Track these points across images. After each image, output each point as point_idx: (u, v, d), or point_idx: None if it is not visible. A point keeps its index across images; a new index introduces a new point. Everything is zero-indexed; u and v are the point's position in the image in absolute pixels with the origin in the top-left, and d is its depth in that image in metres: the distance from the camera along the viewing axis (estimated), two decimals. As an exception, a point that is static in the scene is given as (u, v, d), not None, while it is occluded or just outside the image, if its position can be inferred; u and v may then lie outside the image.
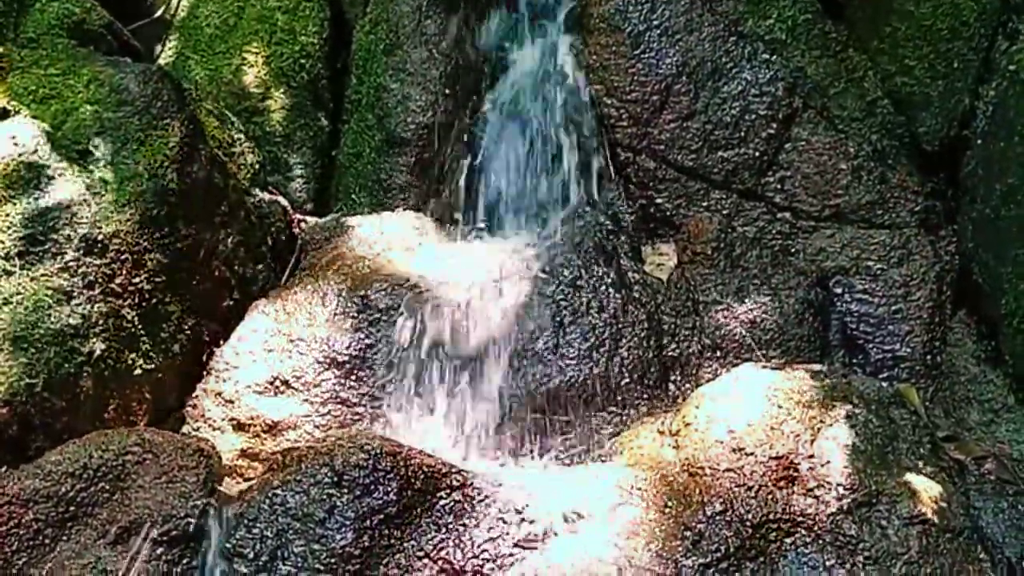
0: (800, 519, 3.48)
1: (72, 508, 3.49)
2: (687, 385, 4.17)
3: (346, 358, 4.13)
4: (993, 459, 3.92)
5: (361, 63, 5.07)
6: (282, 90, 5.01)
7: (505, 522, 3.48)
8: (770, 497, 3.51)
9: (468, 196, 4.85)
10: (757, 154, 4.68)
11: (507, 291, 4.27)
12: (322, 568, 3.43)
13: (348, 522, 3.47)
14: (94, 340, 3.88)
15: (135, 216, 4.04)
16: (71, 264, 3.89)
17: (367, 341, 4.16)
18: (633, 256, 4.49)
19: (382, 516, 3.49)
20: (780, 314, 4.27)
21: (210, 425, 4.09)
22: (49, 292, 3.83)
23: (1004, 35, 4.50)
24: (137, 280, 4.03)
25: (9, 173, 3.90)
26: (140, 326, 4.02)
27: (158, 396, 4.07)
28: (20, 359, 3.70)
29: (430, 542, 3.49)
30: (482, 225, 4.74)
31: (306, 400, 4.08)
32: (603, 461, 3.92)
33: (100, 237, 3.95)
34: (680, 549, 3.44)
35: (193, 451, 3.65)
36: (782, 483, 3.54)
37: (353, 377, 4.12)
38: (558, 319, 4.20)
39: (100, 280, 3.94)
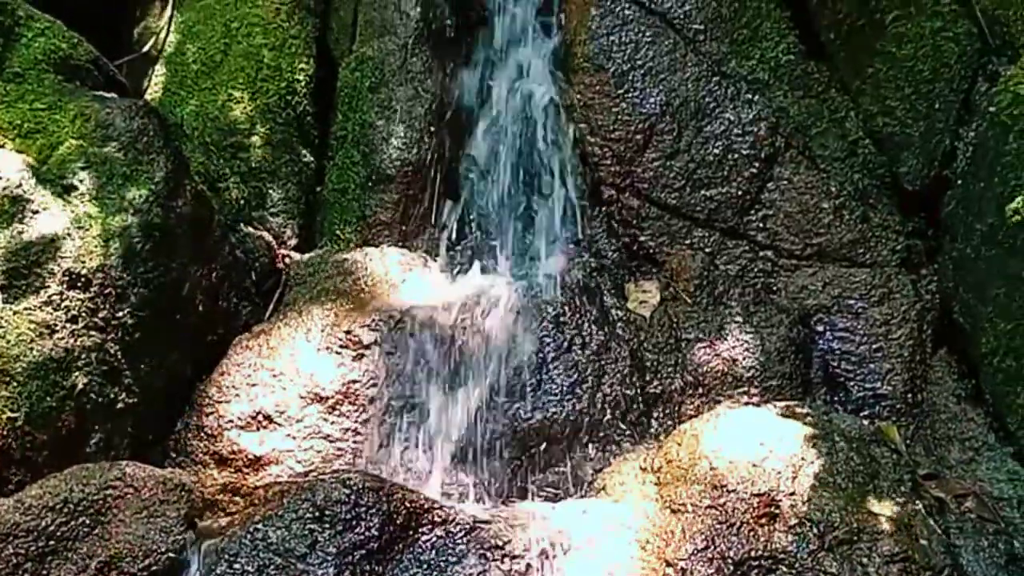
0: (781, 556, 3.48)
1: (52, 543, 3.47)
2: (669, 422, 4.18)
3: (330, 393, 4.13)
4: (973, 497, 3.93)
5: (347, 100, 5.10)
6: (267, 126, 5.02)
7: (487, 558, 3.48)
8: (752, 534, 3.52)
9: (452, 232, 4.87)
10: (740, 193, 4.71)
11: (490, 328, 4.27)
12: (303, 604, 3.42)
13: (330, 557, 3.47)
14: (76, 374, 3.87)
15: (119, 251, 4.04)
16: (54, 298, 3.88)
17: (351, 376, 4.16)
18: (616, 293, 4.50)
19: (364, 551, 3.48)
20: (762, 352, 4.29)
21: (192, 459, 4.08)
22: (32, 326, 3.82)
23: (984, 77, 4.55)
24: (120, 314, 4.02)
25: (-7, 206, 3.91)
26: (123, 360, 4.01)
27: (140, 430, 4.06)
28: (2, 392, 3.69)
29: (412, 578, 3.48)
30: (466, 261, 4.75)
31: (289, 435, 4.07)
32: (585, 497, 3.92)
33: (84, 271, 3.95)
34: (662, 586, 3.44)
35: (174, 486, 3.64)
36: (764, 520, 3.54)
37: (337, 412, 4.11)
38: (541, 355, 4.21)
39: (83, 314, 3.93)
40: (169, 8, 5.22)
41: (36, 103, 4.20)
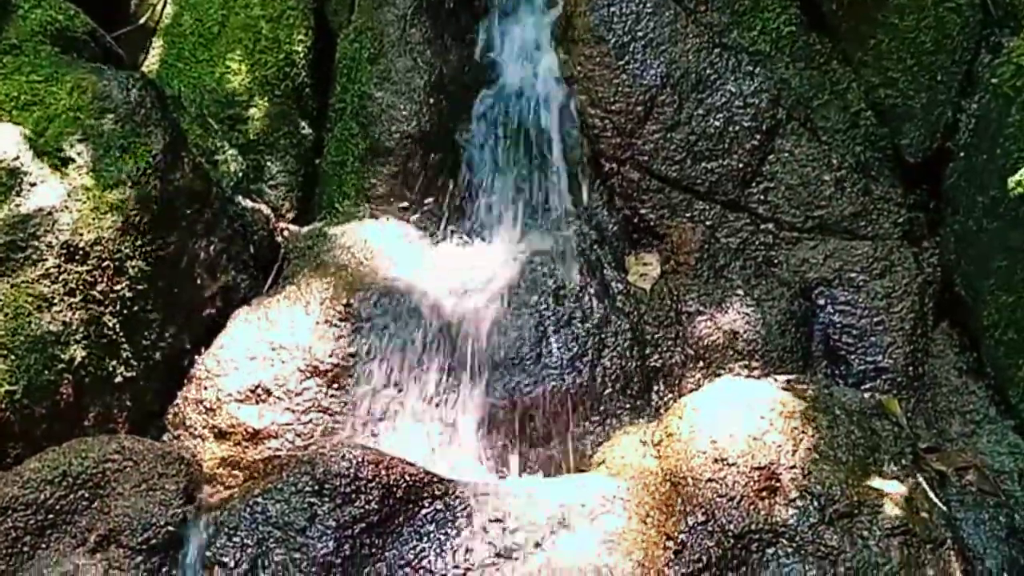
0: (782, 529, 3.48)
1: (51, 516, 3.47)
2: (670, 395, 4.18)
3: (328, 366, 4.13)
4: (974, 470, 3.93)
5: (345, 71, 5.07)
6: (266, 98, 5.00)
7: (487, 531, 3.48)
8: (752, 507, 3.51)
9: (451, 205, 4.86)
10: (741, 165, 4.69)
11: (490, 300, 4.27)
12: (303, 577, 3.42)
13: (329, 531, 3.47)
14: (74, 347, 3.86)
15: (117, 223, 4.03)
16: (52, 271, 3.88)
17: (350, 349, 4.15)
18: (617, 266, 4.49)
19: (364, 525, 3.48)
20: (763, 325, 4.28)
21: (191, 433, 4.08)
22: (30, 299, 3.82)
23: (987, 49, 4.53)
24: (118, 287, 4.01)
25: (-10, 179, 3.90)
26: (121, 333, 4.01)
27: (139, 403, 4.06)
28: (0, 366, 3.68)
29: (412, 551, 3.48)
30: (466, 234, 4.74)
31: (288, 408, 4.07)
32: (586, 471, 3.92)
33: (81, 244, 3.94)
34: (662, 559, 3.44)
35: (173, 459, 3.64)
36: (764, 493, 3.54)
37: (336, 385, 4.11)
38: (541, 329, 4.20)
39: (81, 287, 3.92)
40: (166, -21, 5.20)
41: (33, 75, 4.18)
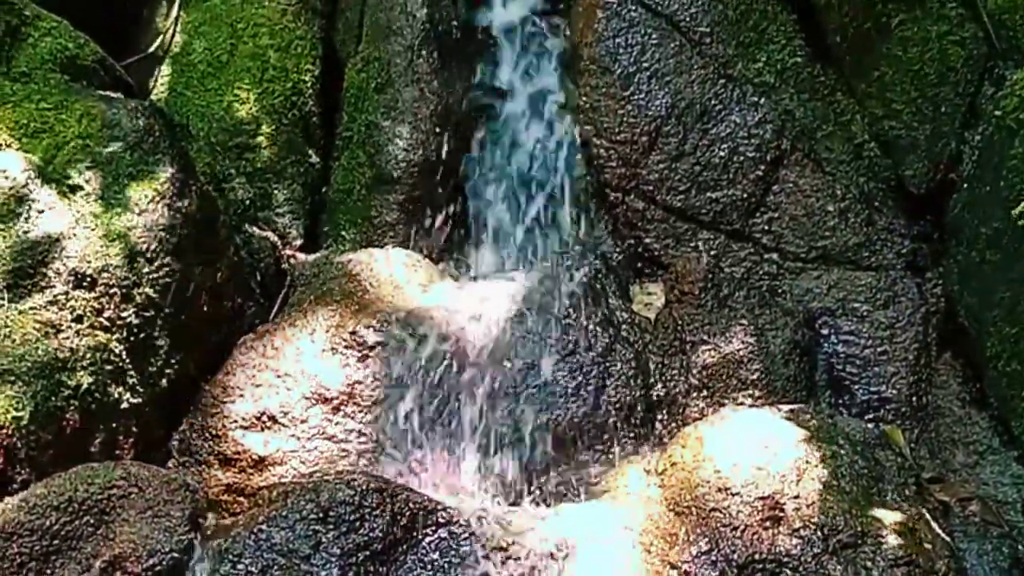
0: (785, 559, 3.48)
1: (56, 542, 3.47)
2: (674, 424, 4.18)
3: (334, 394, 4.13)
4: (977, 501, 3.93)
5: (352, 101, 5.10)
6: (273, 127, 5.02)
7: (490, 560, 3.48)
8: (756, 537, 3.52)
9: (457, 233, 4.87)
10: (745, 195, 4.71)
11: (495, 329, 4.27)
12: (307, 604, 3.42)
13: (333, 558, 3.47)
14: (81, 373, 3.87)
15: (124, 250, 4.04)
16: (59, 297, 3.89)
17: (355, 377, 4.16)
18: (621, 295, 4.50)
19: (368, 552, 3.49)
20: (767, 354, 4.29)
21: (196, 459, 4.08)
22: (37, 325, 3.83)
23: (990, 81, 4.54)
24: (125, 314, 4.03)
25: (-1, 206, 3.92)
26: (128, 360, 4.02)
27: (144, 430, 4.06)
28: (7, 392, 3.69)
29: (416, 579, 3.49)
30: (471, 263, 4.76)
31: (293, 436, 4.07)
32: (589, 500, 3.92)
33: (89, 271, 3.95)
34: (665, 588, 3.44)
35: (179, 486, 3.64)
36: (768, 523, 3.54)
37: (341, 413, 4.11)
38: (546, 358, 4.20)
39: (88, 314, 3.94)
40: (175, 8, 5.23)
41: (42, 103, 4.21)
